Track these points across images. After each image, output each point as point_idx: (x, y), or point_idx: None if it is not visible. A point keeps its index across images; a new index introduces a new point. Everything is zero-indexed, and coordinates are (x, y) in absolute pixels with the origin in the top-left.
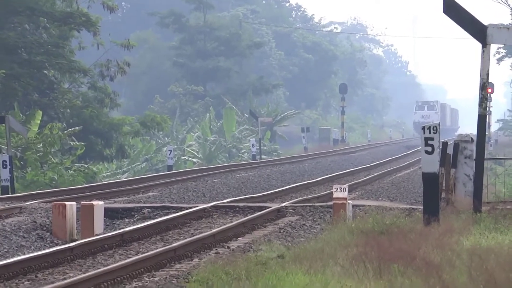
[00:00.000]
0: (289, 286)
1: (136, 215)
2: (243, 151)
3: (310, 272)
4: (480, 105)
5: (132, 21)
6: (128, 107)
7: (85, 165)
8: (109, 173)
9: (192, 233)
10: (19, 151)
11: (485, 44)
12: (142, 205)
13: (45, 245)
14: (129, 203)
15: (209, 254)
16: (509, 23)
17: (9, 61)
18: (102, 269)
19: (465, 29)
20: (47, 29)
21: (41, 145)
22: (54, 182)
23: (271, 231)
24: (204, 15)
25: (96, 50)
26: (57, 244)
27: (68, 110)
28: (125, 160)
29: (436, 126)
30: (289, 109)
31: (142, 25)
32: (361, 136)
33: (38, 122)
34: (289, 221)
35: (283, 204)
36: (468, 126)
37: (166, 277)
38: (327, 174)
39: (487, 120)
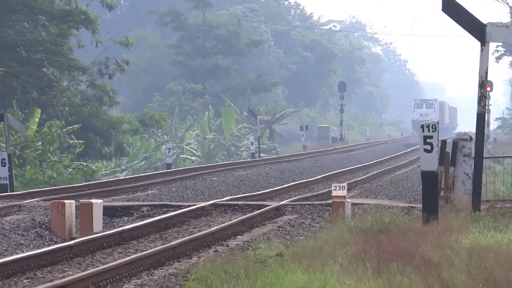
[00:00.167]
0: (288, 285)
1: (135, 213)
2: (242, 149)
3: (309, 270)
4: (479, 103)
5: (131, 19)
6: (127, 105)
7: (84, 163)
8: (108, 171)
9: (191, 232)
10: (18, 149)
11: (484, 42)
12: (141, 203)
13: (44, 243)
14: (128, 201)
15: (208, 253)
16: (508, 22)
17: (8, 59)
18: (101, 267)
19: (464, 28)
20: (46, 27)
21: (40, 143)
22: (53, 180)
23: (270, 229)
24: (203, 14)
25: (95, 48)
26: (56, 242)
27: (67, 108)
28: (124, 158)
29: (435, 125)
30: (288, 107)
31: (141, 23)
32: (360, 134)
33: (37, 120)
34: (288, 219)
35: (282, 203)
36: (467, 125)
37: (165, 276)
38: (326, 173)
39: (486, 118)
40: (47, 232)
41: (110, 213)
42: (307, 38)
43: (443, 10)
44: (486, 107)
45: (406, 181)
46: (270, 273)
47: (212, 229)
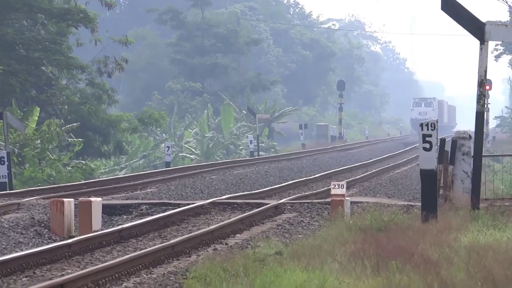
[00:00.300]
0: (287, 283)
1: (134, 212)
2: (241, 147)
3: (308, 268)
4: (478, 102)
5: (130, 17)
6: (126, 104)
7: (83, 162)
8: (107, 170)
9: (190, 230)
10: (17, 147)
11: (483, 41)
12: (140, 201)
13: (43, 242)
14: (127, 199)
15: (207, 251)
16: (507, 20)
17: (7, 58)
18: (100, 265)
19: (463, 26)
20: (45, 25)
21: (39, 141)
22: (52, 178)
23: (269, 227)
24: (202, 12)
25: (94, 46)
26: (55, 241)
27: (66, 107)
28: (123, 156)
29: (434, 123)
30: (287, 106)
31: (140, 22)
32: (359, 133)
33: (36, 118)
34: (287, 217)
35: (281, 201)
36: (466, 123)
37: (164, 274)
38: (325, 171)
39: (485, 117)
40: (46, 230)
41: (109, 211)
42: (306, 36)
43: (442, 8)
44: (485, 106)
45: (405, 179)
46: (269, 272)
47: (211, 227)
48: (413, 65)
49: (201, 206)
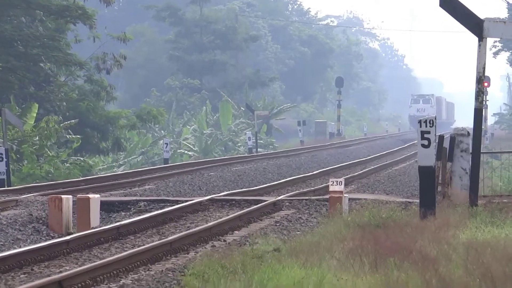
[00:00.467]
0: (285, 280)
1: (132, 208)
2: (239, 144)
3: (306, 265)
4: (476, 98)
5: (128, 14)
6: (124, 100)
7: (81, 158)
8: (105, 166)
9: (188, 227)
10: (15, 144)
11: (481, 38)
12: (138, 198)
13: (41, 238)
14: (125, 196)
15: (205, 248)
16: (506, 17)
17: (5, 54)
18: (98, 262)
19: (461, 23)
20: (43, 22)
21: (37, 138)
22: (50, 175)
23: (267, 224)
24: (200, 9)
25: (92, 43)
26: (53, 237)
27: (64, 103)
28: (121, 153)
29: (432, 120)
30: (285, 103)
31: (139, 19)
32: (357, 129)
33: (34, 115)
34: (285, 214)
35: (279, 198)
36: (464, 120)
37: (162, 271)
38: (323, 168)
39: (483, 113)
40: (44, 227)
41: (107, 208)
42: (304, 33)
43: (440, 5)
44: (484, 103)
45: (403, 176)
46: (267, 268)
47: (210, 224)
48: (411, 62)
49: (199, 203)
